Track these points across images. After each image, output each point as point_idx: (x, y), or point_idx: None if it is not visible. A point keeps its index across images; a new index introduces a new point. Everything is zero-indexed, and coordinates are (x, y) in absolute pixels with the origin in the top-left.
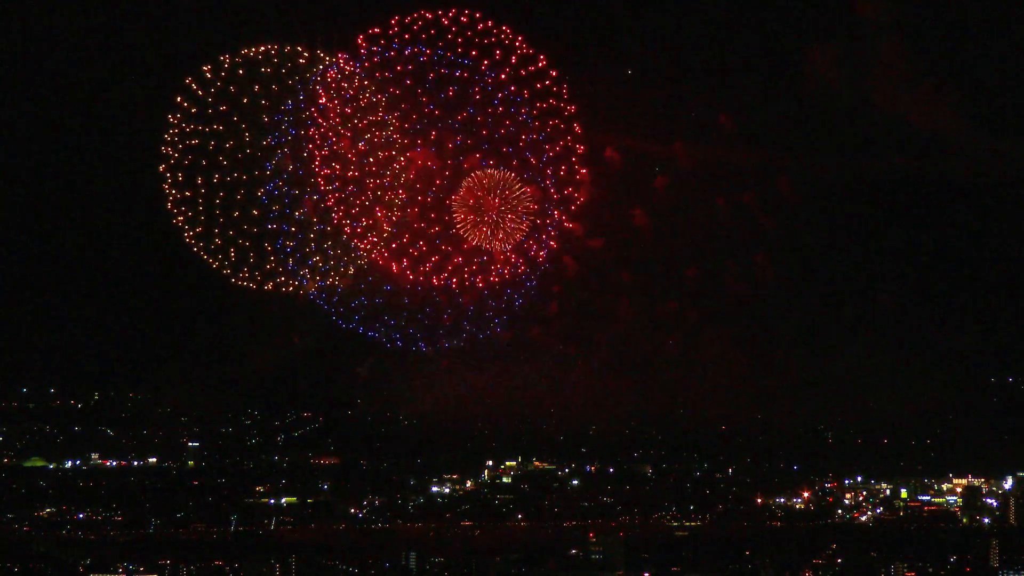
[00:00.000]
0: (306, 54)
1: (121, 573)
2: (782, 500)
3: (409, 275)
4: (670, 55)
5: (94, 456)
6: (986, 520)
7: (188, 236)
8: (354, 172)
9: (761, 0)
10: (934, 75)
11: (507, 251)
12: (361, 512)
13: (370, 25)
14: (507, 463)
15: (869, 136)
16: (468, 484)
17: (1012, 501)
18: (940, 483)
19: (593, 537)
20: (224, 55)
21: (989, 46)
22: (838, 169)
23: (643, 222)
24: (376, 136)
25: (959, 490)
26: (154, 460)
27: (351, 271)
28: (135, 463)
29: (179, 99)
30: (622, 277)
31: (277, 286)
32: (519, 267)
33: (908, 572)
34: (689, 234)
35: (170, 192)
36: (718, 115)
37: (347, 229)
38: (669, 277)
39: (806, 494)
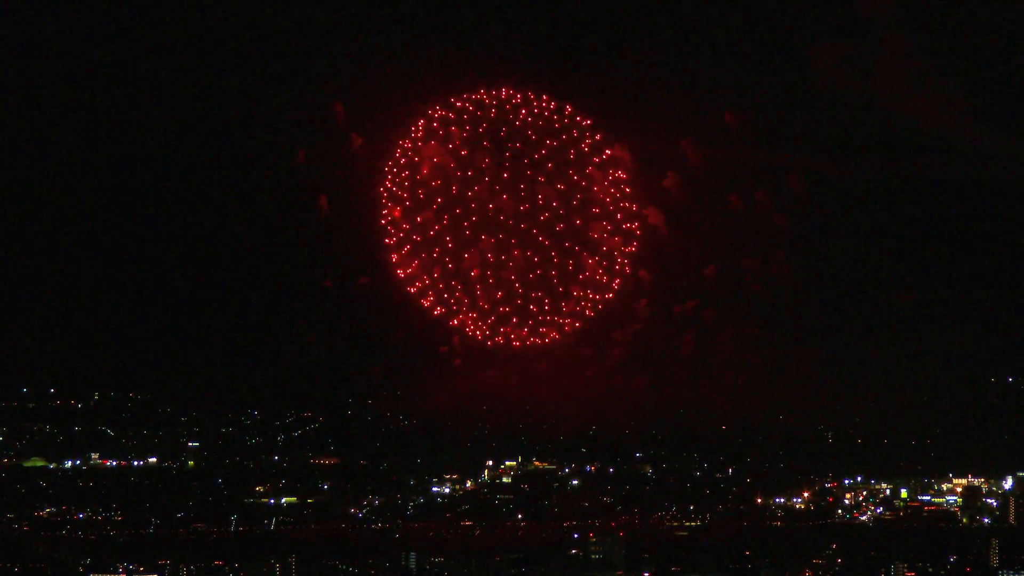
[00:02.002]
0: None
1: (121, 573)
2: (782, 500)
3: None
4: (681, 55)
5: (94, 456)
6: (986, 520)
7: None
8: None
9: (780, 3)
10: (945, 75)
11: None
12: (361, 512)
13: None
14: (507, 463)
15: (871, 137)
16: (468, 484)
17: (1012, 501)
18: (940, 483)
19: (593, 537)
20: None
21: (1002, 46)
22: (836, 171)
23: (654, 222)
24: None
25: (959, 490)
26: (154, 460)
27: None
28: (135, 463)
29: None
30: (638, 277)
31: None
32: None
33: (908, 572)
34: (691, 237)
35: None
36: (730, 116)
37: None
38: (672, 279)
39: (806, 494)
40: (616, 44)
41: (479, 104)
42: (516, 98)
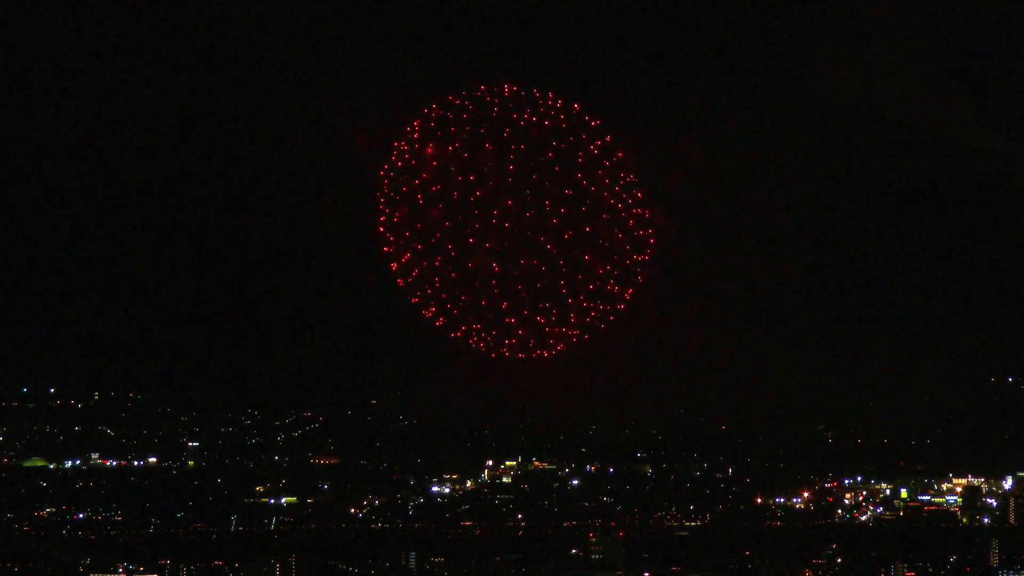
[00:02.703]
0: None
1: (121, 573)
2: (782, 500)
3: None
4: (689, 55)
5: (94, 456)
6: (986, 520)
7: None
8: None
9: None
10: (948, 75)
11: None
12: (361, 512)
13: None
14: (507, 463)
15: (872, 138)
16: (468, 484)
17: (1012, 501)
18: (940, 483)
19: (593, 537)
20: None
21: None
22: (836, 171)
23: (658, 222)
24: None
25: (959, 490)
26: (154, 460)
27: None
28: (135, 463)
29: None
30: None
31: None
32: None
33: (908, 572)
34: (694, 237)
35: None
36: (735, 117)
37: None
38: (675, 279)
39: (806, 494)
40: (623, 42)
41: (480, 103)
42: (520, 96)
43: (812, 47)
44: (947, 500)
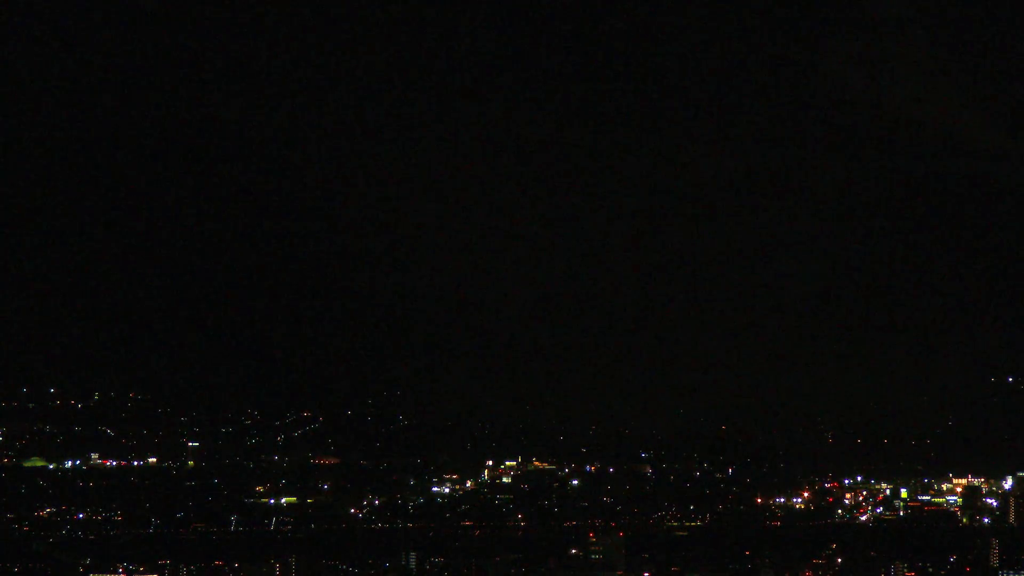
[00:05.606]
0: None
1: (121, 573)
2: (782, 500)
3: None
4: (692, 56)
5: (94, 456)
6: (986, 520)
7: None
8: None
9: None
10: (957, 75)
11: None
12: (361, 512)
13: None
14: (507, 463)
15: (875, 138)
16: (468, 484)
17: (1012, 501)
18: (940, 483)
19: (593, 537)
20: None
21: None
22: (836, 171)
23: (651, 223)
24: None
25: (959, 490)
26: (154, 460)
27: None
28: (135, 463)
29: None
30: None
31: None
32: None
33: (908, 572)
34: (693, 234)
35: None
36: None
37: None
38: (670, 277)
39: (806, 494)
40: (626, 42)
41: None
42: None
43: (820, 46)
44: (947, 500)
